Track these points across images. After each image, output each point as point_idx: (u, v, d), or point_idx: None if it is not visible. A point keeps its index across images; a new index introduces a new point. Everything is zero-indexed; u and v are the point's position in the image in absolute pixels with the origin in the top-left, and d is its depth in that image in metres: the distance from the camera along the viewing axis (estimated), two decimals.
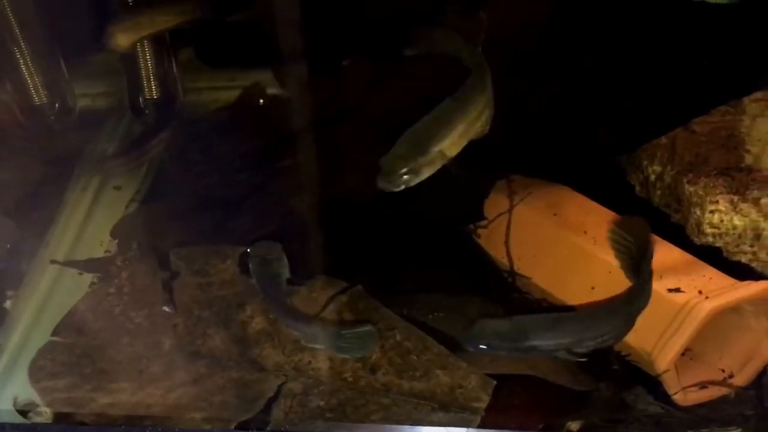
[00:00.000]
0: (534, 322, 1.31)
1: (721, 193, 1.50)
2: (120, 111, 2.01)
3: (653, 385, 1.37)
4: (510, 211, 1.58)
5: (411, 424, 1.32)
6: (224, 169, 1.76)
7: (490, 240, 1.60)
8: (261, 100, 1.92)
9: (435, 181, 1.36)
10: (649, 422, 1.33)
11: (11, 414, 1.37)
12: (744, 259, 1.50)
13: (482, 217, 1.62)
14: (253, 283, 1.48)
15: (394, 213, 1.40)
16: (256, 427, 1.34)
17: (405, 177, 1.29)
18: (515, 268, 1.56)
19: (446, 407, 1.34)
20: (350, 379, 1.39)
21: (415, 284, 1.56)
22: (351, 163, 1.52)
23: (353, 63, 1.75)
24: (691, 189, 1.53)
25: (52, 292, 1.61)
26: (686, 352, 1.37)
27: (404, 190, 1.34)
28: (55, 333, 1.48)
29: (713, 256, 1.47)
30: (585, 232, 1.49)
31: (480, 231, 1.62)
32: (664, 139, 1.61)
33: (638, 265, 1.33)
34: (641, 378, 1.39)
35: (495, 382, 1.36)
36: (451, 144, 1.32)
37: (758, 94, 1.56)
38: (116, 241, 1.69)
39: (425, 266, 1.60)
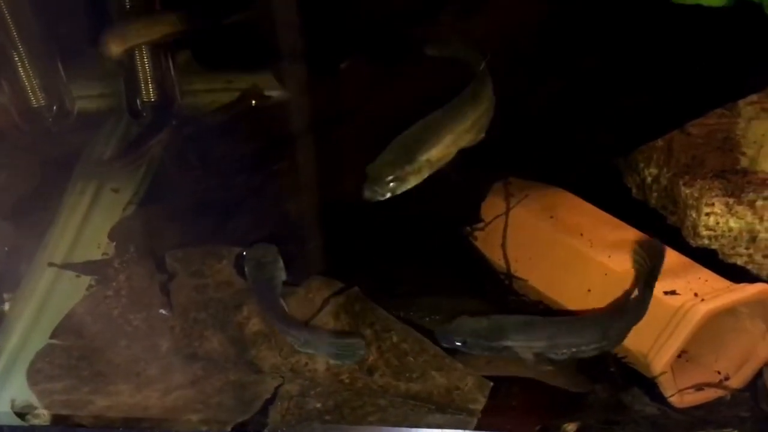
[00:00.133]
0: (510, 322, 1.32)
1: (716, 195, 1.50)
2: (118, 113, 2.01)
3: (650, 386, 1.37)
4: (507, 213, 1.58)
5: (408, 426, 1.32)
6: (222, 171, 1.76)
7: (487, 242, 1.61)
8: (259, 102, 1.92)
9: (432, 184, 1.36)
10: (645, 423, 1.34)
11: (9, 416, 1.37)
12: (740, 262, 1.51)
13: (479, 220, 1.62)
14: (249, 286, 1.48)
15: (391, 215, 1.40)
16: (253, 429, 1.34)
17: (391, 185, 1.29)
18: (512, 270, 1.56)
19: (443, 409, 1.34)
20: (347, 380, 1.39)
21: (412, 286, 1.56)
22: (349, 165, 1.52)
23: (352, 64, 1.75)
24: (687, 191, 1.54)
25: (49, 295, 1.61)
26: (682, 354, 1.38)
27: (403, 192, 1.34)
28: (53, 336, 1.48)
29: (709, 259, 1.48)
30: (581, 235, 1.50)
31: (477, 233, 1.62)
32: (660, 142, 1.61)
33: (643, 284, 1.33)
34: (638, 380, 1.40)
35: (492, 384, 1.36)
36: (438, 153, 1.32)
37: (753, 97, 1.57)
38: (114, 243, 1.69)
39: (422, 268, 1.60)
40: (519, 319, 1.34)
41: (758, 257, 1.49)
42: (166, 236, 1.65)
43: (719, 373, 1.41)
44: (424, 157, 1.31)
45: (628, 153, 1.67)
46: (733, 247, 1.50)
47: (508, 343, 1.31)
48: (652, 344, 1.34)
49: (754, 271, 1.50)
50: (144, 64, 1.92)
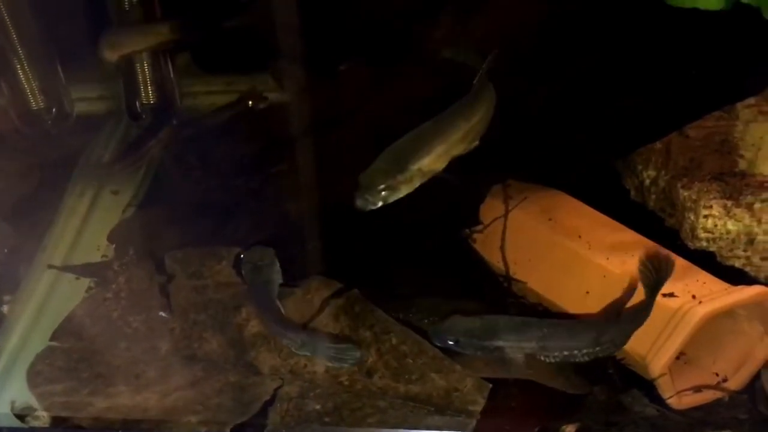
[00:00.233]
0: (504, 322, 1.33)
1: (714, 198, 1.51)
2: (117, 116, 2.01)
3: (649, 387, 1.37)
4: (506, 215, 1.58)
5: (407, 428, 1.33)
6: (221, 172, 1.77)
7: (486, 244, 1.61)
8: (258, 104, 1.92)
9: (431, 187, 1.37)
10: (645, 425, 1.34)
11: (9, 418, 1.37)
12: (737, 264, 1.51)
13: (478, 222, 1.63)
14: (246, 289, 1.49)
15: (391, 217, 1.40)
16: (252, 431, 1.34)
17: (383, 194, 1.30)
18: (511, 272, 1.56)
19: (442, 410, 1.34)
20: (346, 382, 1.39)
21: (412, 288, 1.56)
22: (348, 167, 1.52)
23: (351, 66, 1.76)
24: (686, 194, 1.54)
25: (49, 297, 1.61)
26: (680, 356, 1.38)
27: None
28: (53, 338, 1.49)
29: (707, 261, 1.48)
30: (580, 237, 1.50)
31: (476, 235, 1.63)
32: (658, 144, 1.61)
33: (647, 295, 1.34)
34: (636, 382, 1.40)
35: (491, 386, 1.36)
36: (430, 162, 1.33)
37: (751, 100, 1.57)
38: (113, 245, 1.69)
39: (421, 270, 1.60)
40: (512, 320, 1.34)
41: (756, 259, 1.50)
42: (165, 238, 1.65)
43: (717, 375, 1.41)
44: (415, 167, 1.32)
45: (626, 155, 1.68)
46: (731, 250, 1.50)
47: (501, 343, 1.32)
48: (650, 346, 1.34)
49: (752, 274, 1.51)
50: (143, 66, 1.92)
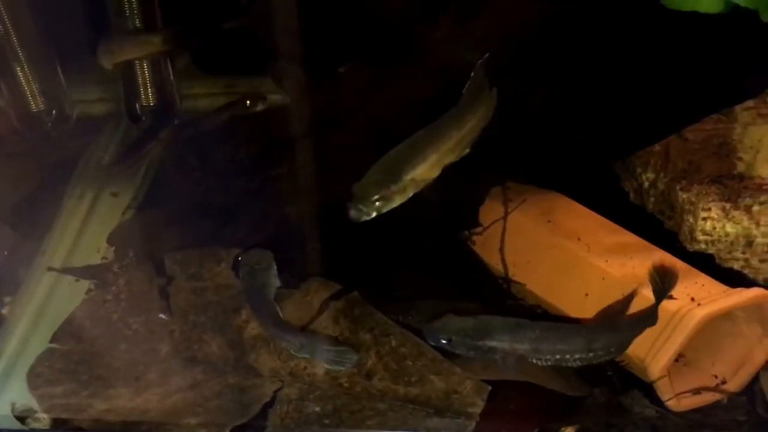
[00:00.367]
0: (497, 323, 1.34)
1: (713, 200, 1.51)
2: (117, 118, 2.01)
3: (649, 389, 1.37)
4: (505, 217, 1.58)
5: (406, 430, 1.33)
6: (221, 174, 1.77)
7: (485, 246, 1.61)
8: (256, 105, 1.92)
9: (431, 188, 1.37)
10: (645, 426, 1.34)
11: (9, 420, 1.38)
12: (736, 266, 1.51)
13: (477, 224, 1.63)
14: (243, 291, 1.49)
15: (390, 219, 1.40)
16: None
17: (377, 204, 1.31)
18: (510, 274, 1.57)
19: (441, 413, 1.34)
20: (346, 384, 1.40)
21: (411, 290, 1.57)
22: (348, 168, 1.52)
23: (351, 67, 1.76)
24: (684, 196, 1.54)
25: (49, 299, 1.61)
26: (679, 359, 1.38)
27: None
28: (53, 340, 1.49)
29: (706, 263, 1.48)
30: (579, 239, 1.50)
31: (475, 237, 1.63)
32: (657, 147, 1.62)
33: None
34: (635, 384, 1.40)
35: (490, 388, 1.36)
36: (423, 172, 1.34)
37: (750, 103, 1.57)
38: (113, 247, 1.69)
39: (420, 272, 1.60)
40: (506, 321, 1.35)
41: (755, 262, 1.50)
42: (165, 240, 1.65)
43: (716, 377, 1.41)
44: (409, 177, 1.33)
45: (625, 157, 1.68)
46: (730, 252, 1.51)
47: (494, 343, 1.32)
48: (649, 348, 1.34)
49: (751, 276, 1.51)
50: (143, 68, 1.93)
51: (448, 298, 1.55)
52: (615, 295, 1.40)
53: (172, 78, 1.97)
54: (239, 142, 1.82)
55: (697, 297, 1.34)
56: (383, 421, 1.34)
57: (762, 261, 1.50)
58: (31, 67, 1.89)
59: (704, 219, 1.50)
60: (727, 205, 1.50)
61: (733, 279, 1.45)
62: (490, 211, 1.62)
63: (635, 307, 1.36)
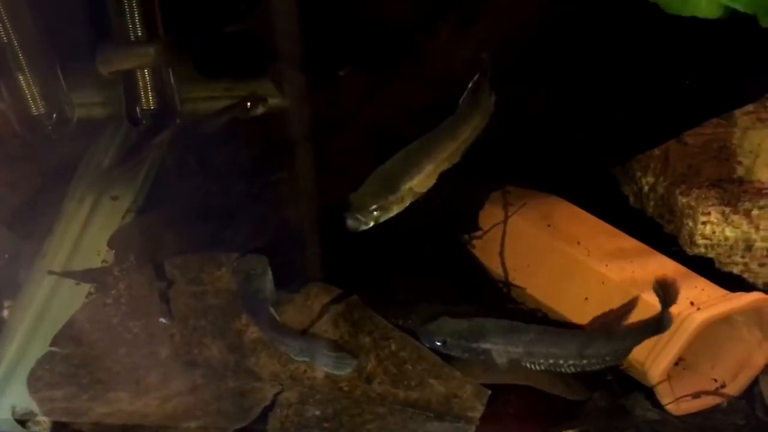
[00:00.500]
0: (491, 325, 1.34)
1: (713, 204, 1.51)
2: (117, 121, 2.01)
3: (649, 392, 1.38)
4: (505, 222, 1.59)
5: None
6: (222, 177, 1.77)
7: (485, 250, 1.61)
8: (256, 107, 1.93)
9: (431, 193, 1.37)
10: (645, 429, 1.34)
11: (10, 423, 1.38)
12: (736, 270, 1.51)
13: (477, 228, 1.63)
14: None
15: (390, 223, 1.41)
16: None
17: (375, 213, 1.32)
18: (510, 278, 1.57)
19: (441, 416, 1.34)
20: (346, 388, 1.40)
21: (411, 294, 1.57)
22: (348, 172, 1.53)
23: (351, 72, 1.76)
24: (684, 200, 1.54)
25: (49, 302, 1.61)
26: (679, 362, 1.39)
27: None
28: (53, 343, 1.48)
29: (705, 267, 1.49)
30: (578, 243, 1.51)
31: (475, 242, 1.63)
32: (657, 151, 1.62)
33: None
34: (635, 388, 1.40)
35: (489, 392, 1.36)
36: (420, 182, 1.36)
37: (749, 107, 1.58)
38: (113, 251, 1.69)
39: (421, 276, 1.60)
40: (500, 323, 1.35)
41: (754, 266, 1.50)
42: (165, 243, 1.65)
43: (716, 380, 1.42)
44: (406, 186, 1.34)
45: (625, 162, 1.68)
46: (729, 256, 1.51)
47: (488, 345, 1.32)
48: (648, 352, 1.35)
49: (750, 280, 1.51)
50: (144, 72, 1.93)
51: (448, 302, 1.55)
52: (615, 300, 1.40)
53: (172, 81, 1.98)
54: (239, 146, 1.82)
55: (697, 301, 1.35)
56: (383, 425, 1.34)
57: (761, 265, 1.50)
58: (32, 70, 1.89)
59: (704, 223, 1.50)
60: (727, 209, 1.50)
61: (733, 283, 1.45)
62: (490, 215, 1.62)
63: (635, 311, 1.36)
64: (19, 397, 1.42)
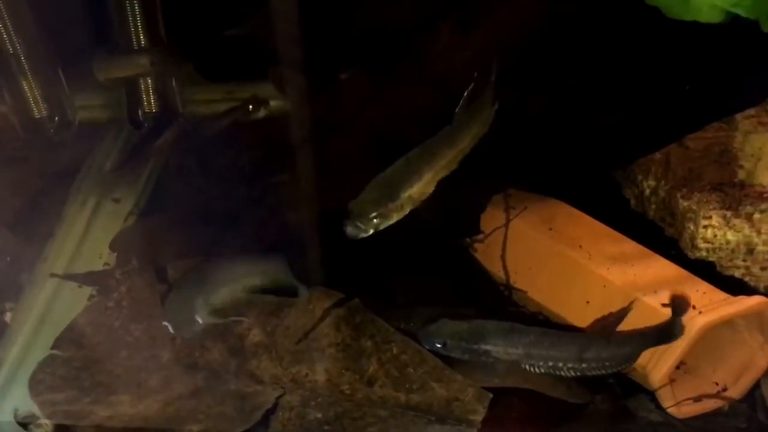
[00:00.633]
0: (491, 327, 1.34)
1: (714, 208, 1.51)
2: (119, 124, 2.02)
3: (651, 394, 1.38)
4: (506, 225, 1.59)
5: None
6: (222, 181, 1.77)
7: (487, 254, 1.62)
8: (258, 110, 1.93)
9: (431, 197, 1.38)
10: (648, 430, 1.34)
11: (12, 426, 1.38)
12: (737, 274, 1.51)
13: (479, 231, 1.63)
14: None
15: (392, 227, 1.41)
16: None
17: (375, 221, 1.33)
18: (511, 281, 1.57)
19: (443, 420, 1.35)
20: (348, 391, 1.40)
21: (412, 297, 1.57)
22: (349, 175, 1.53)
23: (351, 75, 1.76)
24: (685, 204, 1.54)
25: (51, 305, 1.61)
26: (680, 366, 1.39)
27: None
28: (54, 346, 1.48)
29: (707, 271, 1.49)
30: (580, 247, 1.51)
31: (477, 245, 1.63)
32: (658, 155, 1.62)
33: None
34: (636, 392, 1.41)
35: (491, 395, 1.37)
36: (419, 189, 1.37)
37: (751, 111, 1.58)
38: (115, 254, 1.69)
39: (422, 279, 1.61)
40: (500, 325, 1.35)
41: (755, 270, 1.50)
42: (166, 246, 1.65)
43: (717, 384, 1.42)
44: (406, 194, 1.35)
45: (626, 165, 1.68)
46: (731, 260, 1.51)
47: (488, 347, 1.32)
48: (650, 356, 1.35)
49: (752, 284, 1.51)
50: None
51: (449, 305, 1.55)
52: (616, 303, 1.40)
53: (174, 84, 1.98)
54: (241, 148, 1.82)
55: (698, 305, 1.35)
56: (384, 428, 1.34)
57: (763, 269, 1.50)
58: (34, 72, 1.89)
59: (705, 227, 1.50)
60: (728, 213, 1.50)
61: (734, 287, 1.45)
62: (491, 218, 1.62)
63: (636, 315, 1.37)
64: (20, 400, 1.42)
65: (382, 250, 1.57)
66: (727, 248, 1.50)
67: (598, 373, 1.33)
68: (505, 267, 1.58)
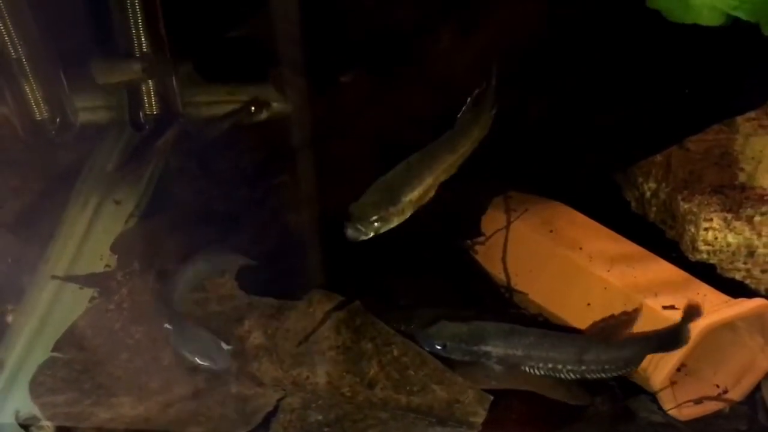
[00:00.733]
0: (491, 328, 1.34)
1: (715, 210, 1.51)
2: (120, 125, 2.02)
3: (653, 396, 1.38)
4: (507, 227, 1.59)
5: None
6: (224, 183, 1.77)
7: (488, 256, 1.62)
8: (260, 111, 1.93)
9: (432, 200, 1.38)
10: (650, 430, 1.34)
11: (14, 428, 1.38)
12: (738, 276, 1.51)
13: (480, 233, 1.63)
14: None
15: (392, 229, 1.41)
16: None
17: (376, 224, 1.33)
18: (512, 283, 1.57)
19: (443, 422, 1.35)
20: (348, 393, 1.40)
21: (413, 299, 1.57)
22: (350, 177, 1.53)
23: (352, 77, 1.76)
24: (686, 206, 1.54)
25: (52, 307, 1.61)
26: (681, 368, 1.39)
27: None
28: (55, 348, 1.49)
29: (707, 273, 1.49)
30: (581, 249, 1.51)
31: (477, 247, 1.63)
32: (659, 157, 1.62)
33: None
34: (637, 394, 1.41)
35: (492, 397, 1.37)
36: (420, 193, 1.37)
37: (751, 113, 1.58)
38: (116, 256, 1.69)
39: (423, 282, 1.61)
40: (500, 326, 1.35)
41: (756, 272, 1.50)
42: (167, 248, 1.65)
43: (718, 386, 1.42)
44: (407, 198, 1.35)
45: (627, 168, 1.68)
46: (731, 262, 1.51)
47: (488, 348, 1.32)
48: (651, 358, 1.34)
49: (752, 286, 1.51)
50: None
51: (450, 307, 1.55)
52: (617, 305, 1.40)
53: (175, 86, 1.98)
54: (242, 150, 1.82)
55: None
56: (385, 430, 1.34)
57: (763, 271, 1.50)
58: (35, 74, 1.89)
59: (706, 229, 1.51)
60: (729, 216, 1.50)
61: (735, 289, 1.45)
62: (492, 220, 1.62)
63: (637, 317, 1.37)
64: (21, 402, 1.42)
65: (382, 252, 1.57)
66: (728, 251, 1.50)
67: (598, 376, 1.33)
68: (505, 269, 1.58)
